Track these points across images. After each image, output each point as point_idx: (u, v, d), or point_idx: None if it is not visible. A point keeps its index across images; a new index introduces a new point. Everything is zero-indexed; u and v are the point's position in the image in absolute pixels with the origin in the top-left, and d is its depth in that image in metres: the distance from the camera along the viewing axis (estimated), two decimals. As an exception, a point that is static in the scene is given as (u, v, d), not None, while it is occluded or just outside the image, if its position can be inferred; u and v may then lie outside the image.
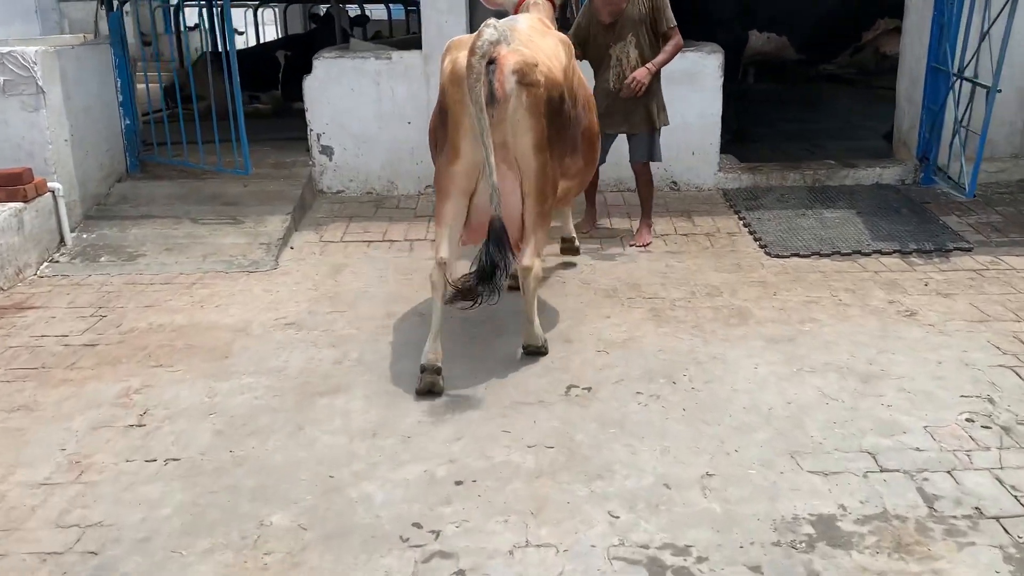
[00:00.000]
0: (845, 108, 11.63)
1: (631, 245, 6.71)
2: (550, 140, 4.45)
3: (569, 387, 4.36)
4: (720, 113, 7.56)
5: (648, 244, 6.71)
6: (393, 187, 7.77)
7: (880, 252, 6.25)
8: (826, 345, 4.78)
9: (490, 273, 4.26)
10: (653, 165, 6.64)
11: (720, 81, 7.47)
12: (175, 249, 6.60)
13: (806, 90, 12.77)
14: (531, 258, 4.56)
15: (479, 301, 4.31)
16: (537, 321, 4.73)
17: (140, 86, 8.17)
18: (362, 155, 7.70)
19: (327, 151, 7.70)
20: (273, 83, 11.68)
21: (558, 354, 4.74)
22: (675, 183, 7.69)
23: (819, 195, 7.43)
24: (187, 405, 4.27)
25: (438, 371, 4.38)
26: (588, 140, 4.98)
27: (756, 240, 6.59)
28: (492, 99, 4.21)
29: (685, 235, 6.78)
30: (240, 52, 15.38)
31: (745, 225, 6.89)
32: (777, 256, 6.27)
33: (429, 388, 4.33)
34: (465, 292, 4.35)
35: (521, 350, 4.75)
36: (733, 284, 5.78)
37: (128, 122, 7.63)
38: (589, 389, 4.32)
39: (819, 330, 4.99)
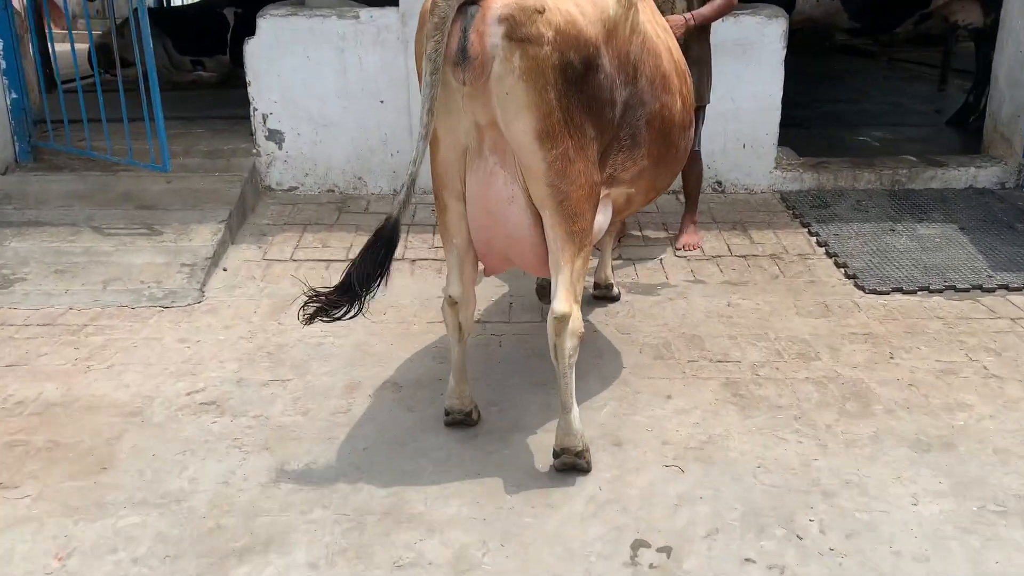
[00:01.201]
0: (876, 85, 10.09)
1: (677, 249, 5.29)
2: (570, 127, 2.86)
3: (636, 546, 2.76)
4: (781, 95, 5.94)
5: (698, 246, 5.27)
6: (361, 184, 6.08)
7: (1007, 288, 4.71)
8: (1001, 457, 3.23)
9: (345, 286, 3.01)
10: (692, 158, 5.07)
11: (782, 54, 5.85)
12: (67, 272, 4.90)
13: (822, 63, 11.15)
14: (564, 302, 2.98)
15: (324, 314, 3.09)
16: (576, 411, 3.13)
17: (63, 47, 6.39)
18: (321, 142, 5.99)
19: (275, 137, 5.99)
20: (220, 46, 9.86)
21: (606, 470, 3.15)
22: (719, 183, 6.08)
23: (903, 202, 5.86)
24: (19, 578, 2.63)
25: (468, 414, 3.48)
26: (661, 131, 3.34)
27: (840, 266, 5.01)
28: (463, 57, 2.74)
29: (743, 257, 5.18)
30: (180, 9, 13.47)
31: (820, 244, 5.31)
32: (874, 292, 4.70)
33: (458, 423, 3.48)
34: (322, 301, 3.09)
35: (552, 459, 3.15)
36: (828, 337, 4.21)
37: (15, 96, 5.85)
38: (668, 553, 2.73)
39: (978, 426, 3.43)
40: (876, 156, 6.46)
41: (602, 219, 3.23)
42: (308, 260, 5.15)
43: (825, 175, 6.09)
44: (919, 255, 5.11)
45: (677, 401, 3.64)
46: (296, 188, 6.09)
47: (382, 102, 5.90)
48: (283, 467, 3.18)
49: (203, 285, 4.80)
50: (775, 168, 6.07)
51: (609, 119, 3.04)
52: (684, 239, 5.30)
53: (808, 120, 7.99)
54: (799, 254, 5.21)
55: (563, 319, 2.96)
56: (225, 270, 5.04)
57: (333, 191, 6.10)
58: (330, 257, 5.19)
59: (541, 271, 3.17)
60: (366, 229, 5.53)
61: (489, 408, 3.58)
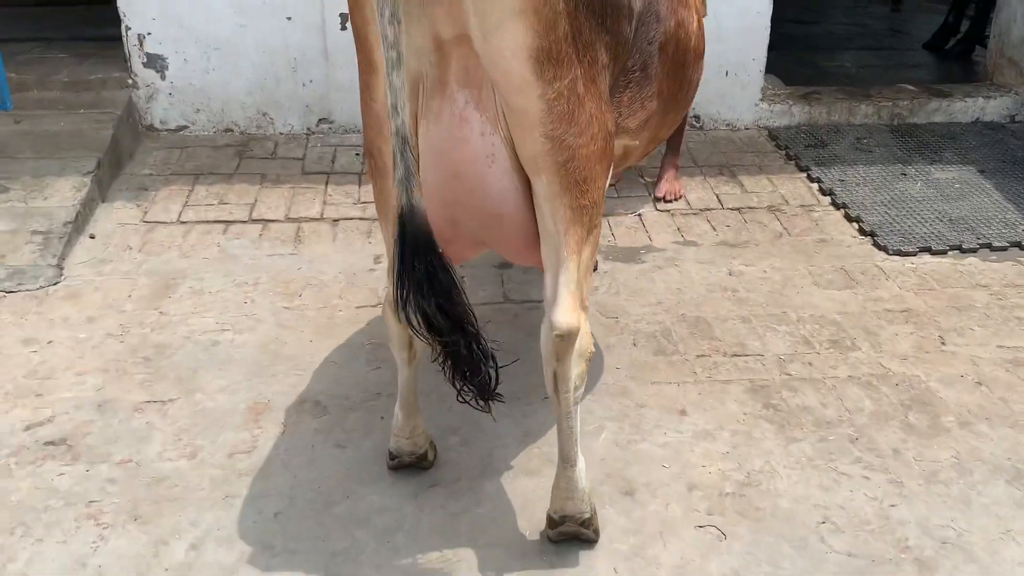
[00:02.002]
0: (831, 4, 9.26)
1: (658, 199, 4.41)
2: (579, 46, 1.89)
3: (685, 677, 1.90)
4: (771, 11, 5.00)
5: (681, 194, 4.45)
6: (266, 122, 4.96)
7: (1050, 243, 3.96)
8: None
9: (455, 344, 1.98)
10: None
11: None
12: None
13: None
14: (569, 312, 2.06)
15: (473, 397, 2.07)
16: (582, 465, 2.23)
17: None
18: (214, 70, 4.83)
19: (156, 63, 4.80)
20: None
21: (621, 538, 2.27)
22: (697, 118, 5.16)
23: (908, 139, 5.05)
24: None
25: (422, 456, 2.53)
26: (675, 59, 2.40)
27: (852, 220, 4.19)
28: None
29: (737, 210, 4.30)
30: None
31: (824, 192, 4.46)
32: (898, 253, 3.89)
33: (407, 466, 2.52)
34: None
35: (547, 527, 2.25)
36: (860, 317, 3.39)
37: None
38: None
39: (1083, 442, 2.67)
40: (870, 85, 5.61)
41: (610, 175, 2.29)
42: (201, 222, 4.07)
43: (817, 108, 5.22)
44: (940, 205, 4.31)
45: (695, 418, 2.77)
46: (185, 128, 4.93)
47: (289, 18, 4.75)
48: (157, 553, 2.21)
49: (61, 260, 3.68)
50: (761, 100, 5.17)
51: (625, 38, 2.07)
52: (665, 187, 4.40)
53: (772, 43, 7.10)
54: (802, 205, 4.36)
55: (568, 337, 2.03)
56: (92, 237, 3.92)
57: (232, 131, 4.96)
58: (229, 216, 4.11)
59: (530, 259, 2.23)
60: (275, 179, 4.47)
61: (448, 438, 2.66)
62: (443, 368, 2.01)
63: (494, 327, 3.28)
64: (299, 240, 3.94)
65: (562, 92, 1.86)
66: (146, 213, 4.13)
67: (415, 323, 1.94)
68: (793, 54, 6.72)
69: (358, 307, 3.41)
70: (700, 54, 2.64)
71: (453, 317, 1.94)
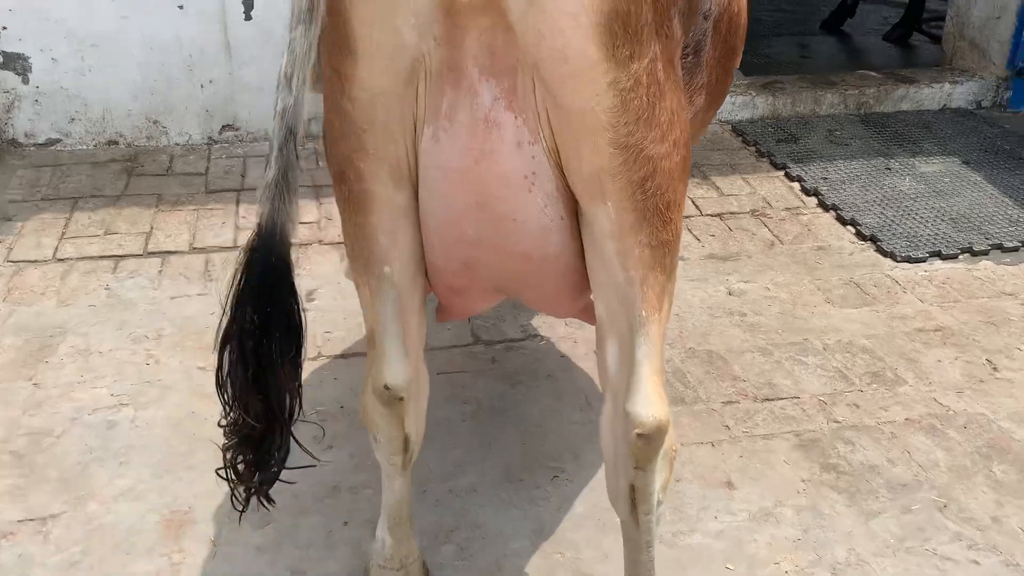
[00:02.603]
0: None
1: None
2: (660, 14, 1.29)
3: None
4: (732, -7, 4.51)
5: None
6: (159, 131, 4.16)
7: (1061, 241, 3.59)
8: None
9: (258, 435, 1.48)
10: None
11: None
12: None
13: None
14: (656, 401, 1.47)
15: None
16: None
17: None
18: (92, 70, 4.01)
19: (16, 64, 3.94)
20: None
21: None
22: (654, 113, 4.62)
23: (881, 130, 4.65)
24: None
25: None
26: (726, 42, 1.82)
27: (846, 223, 3.72)
28: None
29: (718, 216, 3.78)
30: None
31: (807, 191, 3.99)
32: (907, 260, 3.44)
33: None
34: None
35: None
36: (891, 340, 2.91)
37: None
38: None
39: None
40: (827, 72, 5.20)
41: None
42: (84, 258, 3.28)
43: (781, 99, 4.77)
44: (936, 201, 3.90)
45: (746, 491, 2.21)
46: (58, 141, 4.09)
47: (181, 7, 3.97)
48: None
49: (-103, 318, 2.86)
50: (722, 91, 4.67)
51: (693, 5, 1.48)
52: None
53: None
54: (787, 208, 3.87)
55: (656, 436, 1.43)
56: (-60, 285, 3.10)
57: (116, 143, 4.14)
58: (119, 250, 3.33)
59: (570, 310, 1.63)
60: (174, 201, 3.70)
61: (439, 547, 2.01)
62: (227, 440, 1.47)
63: (469, 377, 2.65)
64: (209, 275, 3.20)
65: (640, 78, 1.26)
66: (11, 250, 3.31)
67: (226, 395, 1.44)
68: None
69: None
70: (744, 37, 2.08)
71: (274, 394, 1.42)
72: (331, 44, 1.31)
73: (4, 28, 3.87)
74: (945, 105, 4.98)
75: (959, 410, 2.55)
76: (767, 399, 2.59)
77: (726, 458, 2.33)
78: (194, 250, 3.36)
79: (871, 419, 2.51)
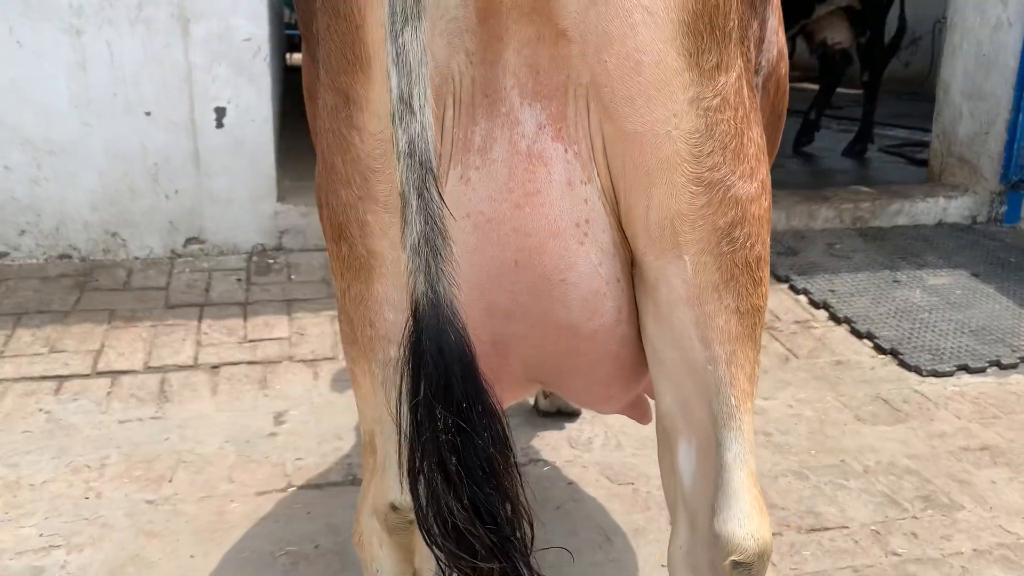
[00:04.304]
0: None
1: None
2: (746, 27, 1.05)
3: None
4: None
5: None
6: (116, 244, 3.86)
7: (1089, 354, 3.35)
8: None
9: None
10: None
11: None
12: None
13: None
14: (756, 518, 1.12)
15: None
16: None
17: None
18: (48, 180, 3.73)
19: (-35, 172, 3.67)
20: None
21: None
22: (645, 226, 4.43)
23: (881, 243, 4.48)
24: None
25: None
26: (776, 106, 1.57)
27: (862, 336, 3.47)
28: None
29: (724, 330, 3.50)
30: None
31: (815, 304, 3.75)
32: (933, 374, 3.18)
33: None
34: None
35: None
36: (936, 460, 2.60)
37: None
38: None
39: None
40: (826, 187, 5.09)
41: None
42: (22, 379, 2.89)
43: (776, 213, 4.61)
44: (951, 313, 3.67)
45: (809, 643, 1.83)
46: (5, 255, 3.75)
47: (148, 113, 3.75)
48: None
49: None
50: (715, 204, 4.51)
51: (760, 37, 1.24)
52: None
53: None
54: (796, 321, 3.62)
55: (758, 564, 1.11)
56: None
57: (69, 256, 3.82)
58: (64, 369, 2.96)
59: (619, 403, 1.31)
60: (129, 318, 3.35)
61: None
62: None
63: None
64: (164, 397, 2.83)
65: (728, 97, 1.00)
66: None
67: (437, 531, 0.97)
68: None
69: (259, 493, 2.34)
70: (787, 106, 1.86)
71: (497, 519, 0.97)
72: (335, 61, 1.02)
73: (-45, 134, 3.61)
74: (941, 220, 4.86)
75: (1030, 537, 2.22)
76: (813, 529, 2.23)
77: (778, 602, 1.96)
78: (149, 369, 3.00)
79: (935, 551, 2.16)
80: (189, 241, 3.90)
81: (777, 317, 3.63)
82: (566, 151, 1.02)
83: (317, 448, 2.57)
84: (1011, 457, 2.63)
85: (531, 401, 2.81)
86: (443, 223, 0.90)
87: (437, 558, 0.98)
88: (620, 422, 2.76)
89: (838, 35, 6.81)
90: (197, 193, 3.86)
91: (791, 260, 4.19)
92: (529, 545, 1.00)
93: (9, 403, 2.75)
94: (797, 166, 6.39)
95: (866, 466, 2.55)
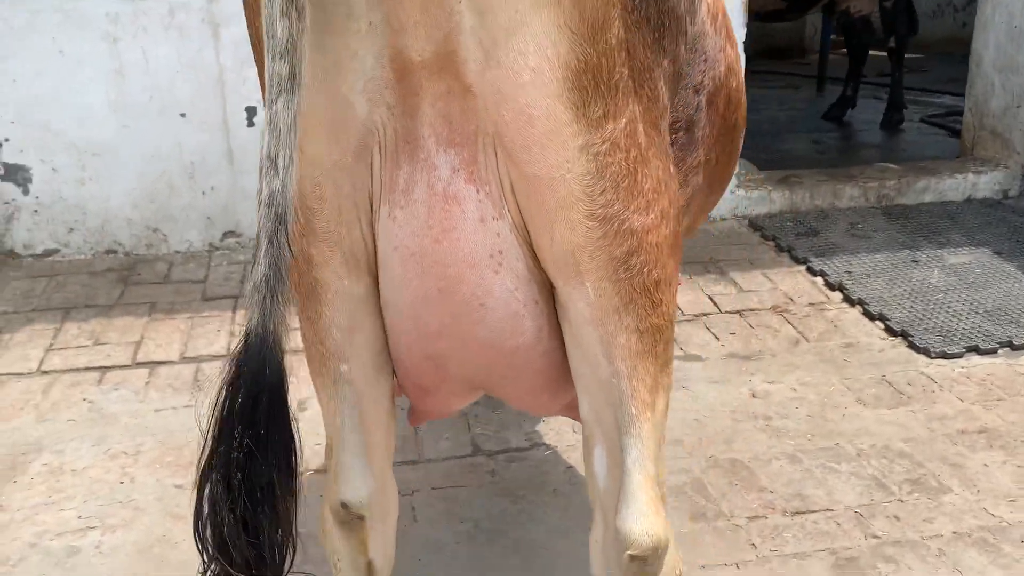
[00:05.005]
0: (759, 96, 9.01)
1: None
2: (636, 71, 1.14)
3: None
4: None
5: (680, 283, 3.63)
6: (158, 239, 4.08)
7: (1107, 333, 3.34)
8: None
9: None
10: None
11: (743, 31, 4.35)
12: None
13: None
14: (651, 515, 1.26)
15: None
16: None
17: None
18: (91, 180, 3.96)
19: (17, 175, 3.91)
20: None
21: None
22: (667, 210, 4.49)
23: (905, 222, 4.48)
24: None
25: None
26: (725, 118, 1.67)
27: (874, 318, 3.51)
28: None
29: (738, 314, 3.58)
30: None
31: (831, 286, 3.79)
32: (943, 356, 3.21)
33: None
34: None
35: None
36: (931, 443, 2.67)
37: None
38: None
39: None
40: (842, 166, 5.08)
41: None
42: (69, 370, 3.13)
43: (799, 192, 4.63)
44: (969, 294, 3.68)
45: (777, 622, 1.94)
46: (55, 252, 4.01)
47: (183, 115, 3.94)
48: None
49: None
50: (737, 186, 4.55)
51: (680, 69, 1.34)
52: None
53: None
54: (811, 303, 3.67)
55: (651, 558, 1.24)
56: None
57: (115, 252, 4.06)
58: (106, 361, 3.18)
59: (552, 406, 1.44)
60: (168, 309, 3.57)
61: None
62: None
63: (466, 492, 2.42)
64: (198, 386, 3.04)
65: (618, 141, 1.10)
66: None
67: (209, 533, 1.13)
68: (748, 141, 6.20)
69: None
70: (745, 117, 1.94)
71: (260, 537, 1.12)
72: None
73: (7, 140, 3.85)
74: (970, 196, 4.81)
75: (1013, 521, 2.28)
76: (798, 512, 2.33)
77: (753, 582, 2.06)
78: (184, 359, 3.21)
79: (915, 533, 2.24)
80: (226, 235, 4.10)
81: (791, 300, 3.69)
82: (478, 191, 1.15)
83: None
84: (1008, 440, 2.67)
85: (539, 388, 2.94)
86: (285, 270, 1.04)
87: (200, 553, 1.11)
88: (674, 417, 2.87)
89: (859, 3, 6.72)
90: (232, 189, 4.05)
91: (811, 241, 4.22)
92: (282, 567, 1.13)
93: (56, 393, 2.98)
94: (833, 141, 6.35)
95: (860, 449, 2.63)
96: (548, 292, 1.23)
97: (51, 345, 3.30)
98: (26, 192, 3.92)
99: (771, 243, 4.26)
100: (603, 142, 1.09)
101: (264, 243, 1.05)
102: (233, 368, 1.09)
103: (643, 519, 1.23)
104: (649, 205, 1.15)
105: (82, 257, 4.02)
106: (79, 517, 2.35)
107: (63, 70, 3.82)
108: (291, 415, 1.13)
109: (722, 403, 2.91)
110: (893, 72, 6.42)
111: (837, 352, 3.27)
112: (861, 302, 3.62)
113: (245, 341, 1.08)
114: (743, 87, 1.76)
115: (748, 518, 2.30)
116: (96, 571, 2.14)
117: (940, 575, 2.08)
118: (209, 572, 1.16)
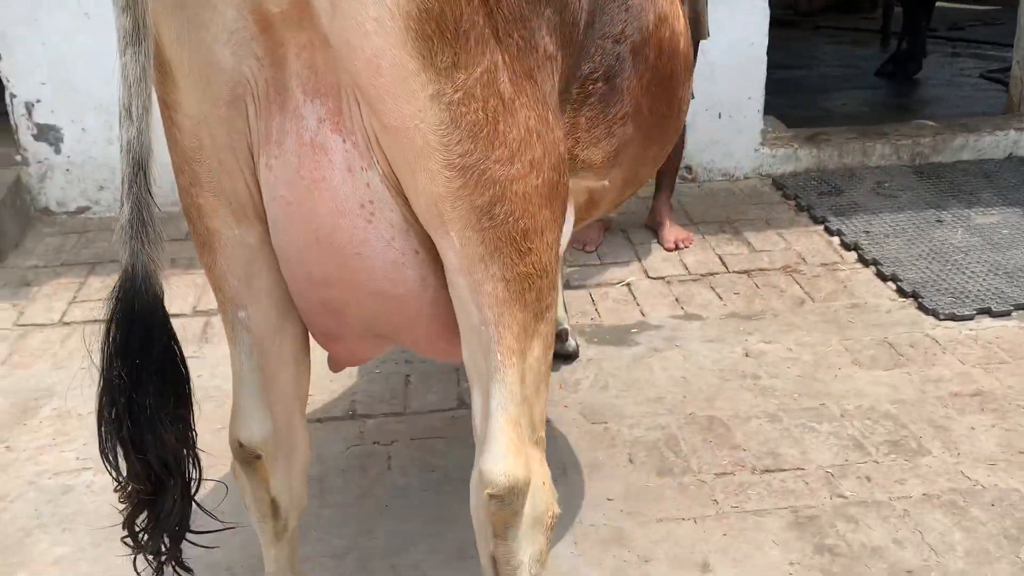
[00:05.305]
0: (820, 51, 8.72)
1: (668, 249, 3.74)
2: (497, 13, 1.13)
3: None
4: (766, 43, 4.34)
5: (692, 240, 3.79)
6: (185, 197, 4.20)
7: None
8: None
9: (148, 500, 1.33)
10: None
11: (768, -15, 4.26)
12: None
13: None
14: (510, 456, 1.30)
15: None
16: None
17: None
18: (119, 140, 4.09)
19: (49, 135, 4.07)
20: None
21: None
22: (688, 168, 4.44)
23: (936, 181, 4.34)
24: None
25: None
26: (656, 69, 1.65)
27: (886, 279, 3.43)
28: None
29: (746, 273, 3.54)
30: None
31: (847, 246, 3.72)
32: (951, 318, 3.13)
33: None
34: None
35: None
36: (920, 405, 2.62)
37: None
38: None
39: None
40: (881, 123, 4.93)
41: (564, 239, 1.56)
42: (88, 322, 3.28)
43: (826, 150, 4.52)
44: (990, 255, 3.57)
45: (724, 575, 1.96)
46: (87, 209, 4.17)
47: (204, 76, 4.04)
48: None
49: None
50: (761, 144, 4.46)
51: (573, 20, 1.33)
52: (673, 233, 3.74)
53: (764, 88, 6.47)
54: (823, 263, 3.60)
55: (511, 497, 1.28)
56: (-47, 346, 3.13)
57: (143, 209, 4.20)
58: (125, 314, 3.32)
59: (450, 354, 1.47)
60: (186, 263, 3.69)
61: None
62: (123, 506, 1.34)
63: (443, 444, 2.48)
64: (205, 339, 3.16)
65: (473, 91, 1.12)
66: (21, 314, 3.35)
67: (106, 446, 1.26)
68: (789, 97, 6.06)
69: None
70: (690, 66, 1.92)
71: (154, 454, 1.25)
72: (155, 69, 1.21)
73: (38, 101, 4.01)
74: (1011, 153, 4.63)
75: (988, 485, 2.24)
76: (767, 471, 2.33)
77: (708, 536, 2.08)
78: (196, 313, 3.33)
79: (883, 494, 2.22)
80: (248, 193, 4.20)
81: (803, 259, 3.63)
82: (344, 141, 1.18)
83: (328, 385, 2.83)
84: (1001, 403, 2.61)
85: (530, 344, 2.97)
86: (149, 211, 1.11)
87: (108, 472, 1.25)
88: (612, 366, 2.89)
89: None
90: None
91: (832, 200, 4.12)
92: (178, 482, 1.26)
93: (73, 344, 3.13)
94: (881, 98, 6.17)
95: (845, 410, 2.60)
96: (431, 241, 1.26)
97: (74, 298, 3.46)
98: (58, 151, 4.08)
99: (791, 202, 4.18)
100: (455, 91, 1.10)
101: (125, 187, 1.12)
102: (110, 306, 1.17)
103: (502, 460, 1.26)
104: (514, 155, 1.17)
105: (111, 214, 4.17)
106: (77, 458, 2.49)
107: (90, 32, 3.94)
108: (170, 346, 1.21)
109: (713, 362, 2.90)
110: (915, 20, 6.18)
111: (842, 313, 3.21)
112: (875, 262, 3.54)
113: (120, 280, 1.16)
114: (680, 36, 1.74)
115: (716, 475, 2.31)
116: (84, 508, 2.27)
117: (899, 535, 2.06)
118: (119, 488, 1.28)
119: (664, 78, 1.68)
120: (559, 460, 2.39)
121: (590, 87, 1.47)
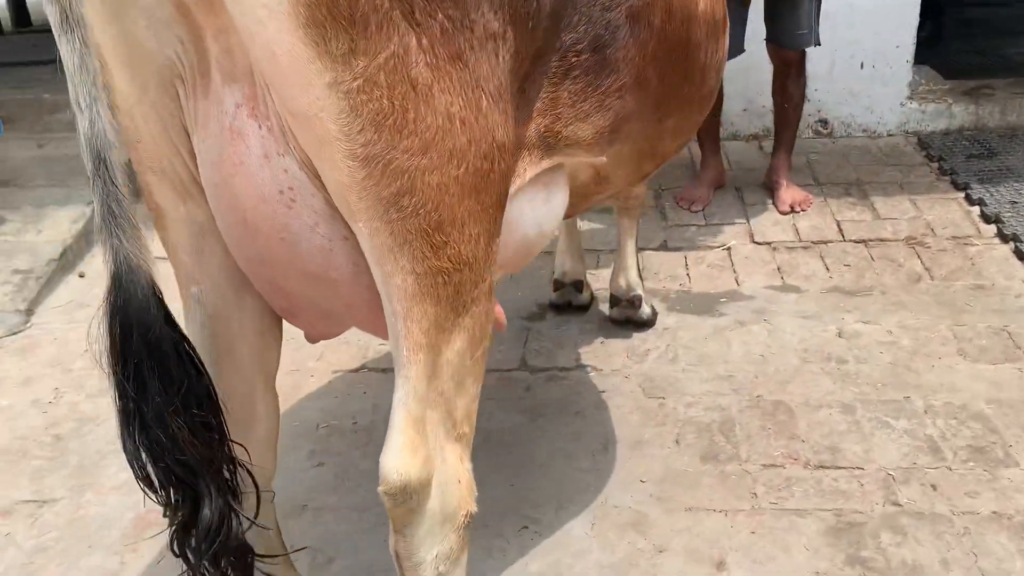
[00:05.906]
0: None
1: (783, 212, 3.49)
2: (409, 8, 1.07)
3: None
4: (921, -15, 3.93)
5: (810, 203, 3.52)
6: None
7: None
8: None
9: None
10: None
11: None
12: None
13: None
14: (403, 453, 1.25)
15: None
16: None
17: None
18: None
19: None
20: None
21: None
22: (824, 122, 4.12)
23: (1115, 144, 3.80)
24: None
25: None
26: (663, 36, 1.53)
27: (1023, 258, 3.08)
28: None
29: (863, 243, 3.27)
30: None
31: (987, 218, 3.35)
32: (1092, 307, 2.77)
33: None
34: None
35: None
36: (1020, 407, 2.34)
37: None
38: None
39: None
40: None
41: (546, 218, 1.49)
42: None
43: (987, 107, 4.06)
44: None
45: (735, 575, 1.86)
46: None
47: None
48: None
49: (33, 304, 3.21)
50: (909, 98, 4.06)
51: (585, 31, 1.27)
52: (789, 195, 3.51)
53: (938, 32, 5.79)
54: (953, 236, 3.27)
55: (402, 495, 1.25)
56: (82, 276, 3.44)
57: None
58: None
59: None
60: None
61: (369, 587, 1.89)
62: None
63: (492, 405, 2.47)
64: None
65: (375, 78, 1.06)
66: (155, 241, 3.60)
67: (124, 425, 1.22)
68: (969, 41, 5.45)
69: (335, 371, 2.71)
70: (716, 28, 1.75)
71: (191, 459, 1.23)
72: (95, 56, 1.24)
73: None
74: None
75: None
76: (820, 467, 2.17)
77: (733, 532, 1.97)
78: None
79: (945, 506, 2.02)
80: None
81: (932, 231, 3.31)
82: (260, 127, 1.16)
83: (355, 338, 2.86)
84: (1124, 416, 2.29)
85: (606, 311, 2.89)
86: (119, 203, 1.11)
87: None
88: (688, 337, 2.77)
89: None
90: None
91: (981, 164, 3.71)
92: (211, 486, 1.24)
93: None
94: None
95: (930, 406, 2.37)
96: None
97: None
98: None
99: (934, 164, 3.80)
100: (354, 79, 1.05)
101: (92, 181, 1.13)
102: (105, 308, 1.19)
103: (395, 457, 1.23)
104: (428, 145, 1.11)
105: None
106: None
107: None
108: (174, 339, 1.20)
109: (799, 340, 2.72)
110: None
111: (961, 294, 2.92)
112: (1015, 238, 3.17)
113: (108, 286, 1.17)
114: (694, 20, 1.58)
115: (763, 466, 2.18)
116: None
117: (949, 555, 1.87)
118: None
119: (677, 45, 1.54)
120: (603, 435, 2.33)
121: (573, 59, 1.37)
